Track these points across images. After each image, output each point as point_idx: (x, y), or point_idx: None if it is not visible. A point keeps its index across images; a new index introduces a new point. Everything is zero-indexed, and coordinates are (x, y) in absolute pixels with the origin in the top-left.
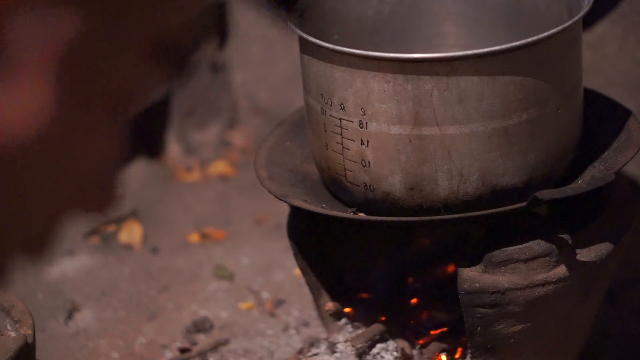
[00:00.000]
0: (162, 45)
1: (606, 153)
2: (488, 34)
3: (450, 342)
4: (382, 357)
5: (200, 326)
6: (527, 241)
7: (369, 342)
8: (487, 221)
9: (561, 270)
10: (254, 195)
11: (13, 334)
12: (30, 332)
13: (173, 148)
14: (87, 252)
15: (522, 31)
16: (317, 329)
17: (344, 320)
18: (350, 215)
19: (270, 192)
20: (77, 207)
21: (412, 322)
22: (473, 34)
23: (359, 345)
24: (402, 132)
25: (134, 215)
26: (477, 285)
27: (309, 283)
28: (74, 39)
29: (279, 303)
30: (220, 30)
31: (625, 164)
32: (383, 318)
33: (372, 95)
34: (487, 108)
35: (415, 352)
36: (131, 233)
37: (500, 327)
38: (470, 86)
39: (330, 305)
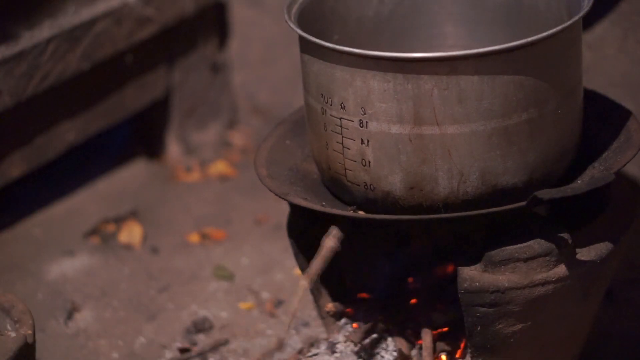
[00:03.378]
0: None
1: (606, 153)
2: (488, 34)
3: (450, 342)
4: (382, 357)
5: (200, 326)
6: (527, 241)
7: (367, 338)
8: (487, 221)
9: (561, 269)
10: (254, 195)
11: (13, 334)
12: (30, 332)
13: (173, 148)
14: (87, 252)
15: (521, 31)
16: (317, 329)
17: (344, 320)
18: (350, 213)
19: (270, 190)
20: None
21: (411, 322)
22: (473, 34)
23: (357, 341)
24: (402, 131)
25: (134, 215)
26: (477, 284)
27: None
28: None
29: (279, 303)
30: (220, 30)
31: (625, 164)
32: (382, 318)
33: (372, 94)
34: (487, 108)
35: (414, 352)
36: (131, 233)
37: (500, 326)
38: (470, 86)
39: (330, 305)
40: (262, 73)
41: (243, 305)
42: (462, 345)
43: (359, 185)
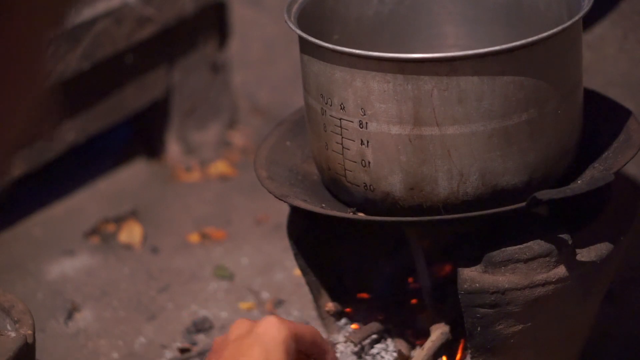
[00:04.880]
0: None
1: (606, 153)
2: (488, 34)
3: (450, 342)
4: (382, 357)
5: (200, 326)
6: (527, 241)
7: (367, 338)
8: (487, 221)
9: (561, 270)
10: (254, 195)
11: (13, 334)
12: (30, 332)
13: (173, 148)
14: (87, 252)
15: (521, 31)
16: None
17: (344, 320)
18: (350, 215)
19: (270, 192)
20: None
21: (411, 322)
22: (473, 34)
23: (357, 341)
24: (402, 132)
25: (134, 215)
26: (477, 285)
27: (309, 283)
28: None
29: (279, 303)
30: (220, 30)
31: (625, 164)
32: (382, 318)
33: (372, 95)
34: (487, 108)
35: (414, 352)
36: (131, 233)
37: (500, 327)
38: (470, 86)
39: (330, 305)
40: (262, 73)
41: (243, 305)
42: (461, 345)
43: (358, 186)
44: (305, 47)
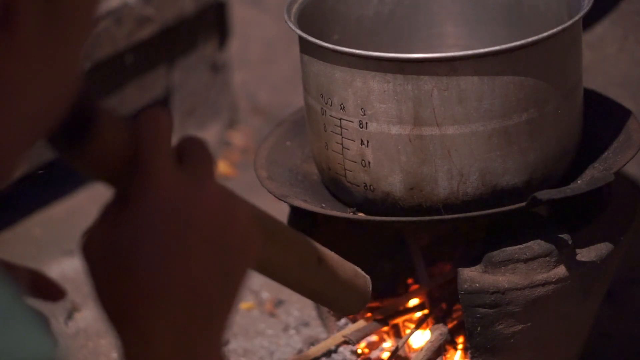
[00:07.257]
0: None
1: (606, 153)
2: (488, 34)
3: (450, 342)
4: (381, 357)
5: None
6: (527, 241)
7: (365, 336)
8: (487, 221)
9: (561, 270)
10: (254, 195)
11: None
12: None
13: None
14: None
15: (522, 31)
16: (317, 329)
17: (343, 320)
18: (350, 215)
19: (270, 192)
20: None
21: (411, 321)
22: (473, 34)
23: (356, 341)
24: (402, 132)
25: None
26: (477, 285)
27: None
28: None
29: (279, 303)
30: (220, 30)
31: (625, 164)
32: (381, 317)
33: (372, 95)
34: (487, 108)
35: (414, 353)
36: None
37: (500, 327)
38: (470, 86)
39: None
40: (262, 73)
41: (243, 305)
42: (462, 345)
43: (358, 186)
44: (305, 47)
